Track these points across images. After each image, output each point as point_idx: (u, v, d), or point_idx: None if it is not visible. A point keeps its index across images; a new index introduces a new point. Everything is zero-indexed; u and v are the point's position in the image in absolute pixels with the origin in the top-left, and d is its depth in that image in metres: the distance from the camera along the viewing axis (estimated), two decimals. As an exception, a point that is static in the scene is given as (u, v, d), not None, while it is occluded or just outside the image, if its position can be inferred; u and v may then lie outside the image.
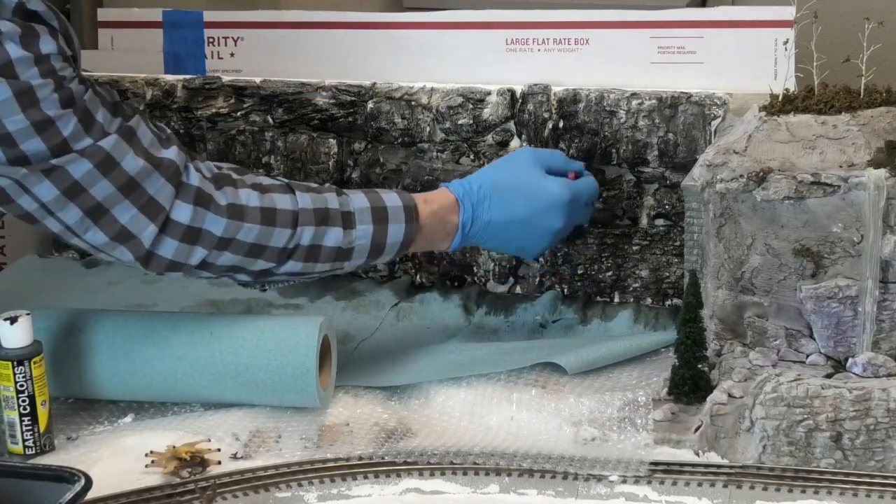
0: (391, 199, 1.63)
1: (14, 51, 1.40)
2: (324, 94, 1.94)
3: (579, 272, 1.88)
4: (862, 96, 1.55)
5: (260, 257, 1.57)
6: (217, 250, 1.55)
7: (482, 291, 1.92)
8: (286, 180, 1.62)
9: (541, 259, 1.89)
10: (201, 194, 1.53)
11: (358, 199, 1.62)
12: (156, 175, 1.50)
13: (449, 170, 1.89)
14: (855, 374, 1.50)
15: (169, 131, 1.56)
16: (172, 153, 1.53)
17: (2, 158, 1.43)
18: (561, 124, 1.85)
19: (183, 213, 1.52)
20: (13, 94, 1.41)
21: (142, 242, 1.51)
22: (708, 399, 1.49)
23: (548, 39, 1.92)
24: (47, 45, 1.43)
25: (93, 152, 1.46)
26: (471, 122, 1.88)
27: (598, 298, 1.88)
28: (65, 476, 1.31)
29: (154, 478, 1.46)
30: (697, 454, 1.47)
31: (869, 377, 1.48)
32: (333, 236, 1.59)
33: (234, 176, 1.58)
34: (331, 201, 1.60)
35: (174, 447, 1.50)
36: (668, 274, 1.84)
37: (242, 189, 1.56)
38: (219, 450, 1.51)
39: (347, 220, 1.60)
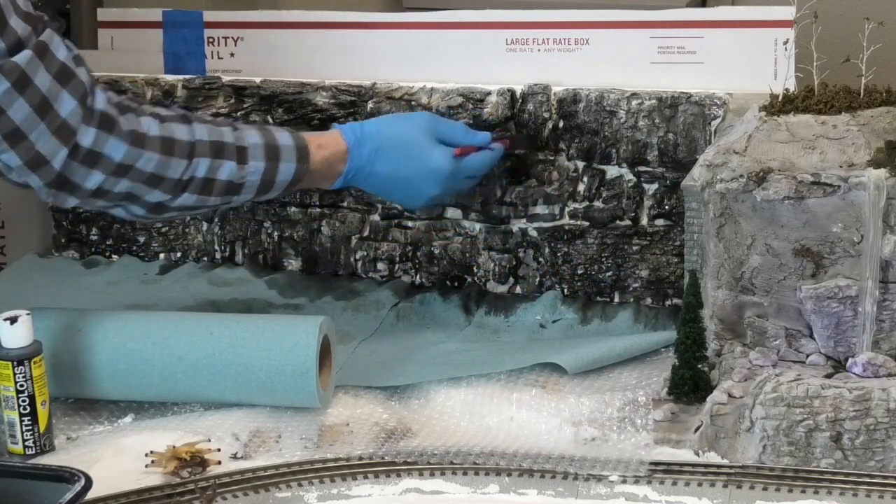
0: (284, 138, 1.67)
1: None
2: (324, 94, 1.94)
3: (579, 272, 1.88)
4: (862, 96, 1.55)
5: (157, 188, 1.59)
6: (115, 177, 1.56)
7: (482, 291, 1.92)
8: (183, 111, 1.65)
9: (541, 259, 1.89)
10: (105, 118, 1.54)
11: (252, 135, 1.65)
12: (66, 95, 1.51)
13: (449, 170, 1.90)
14: (855, 374, 1.50)
15: (77, 51, 1.56)
16: (83, 73, 1.53)
17: None
18: (561, 124, 1.85)
19: (87, 136, 1.53)
20: None
21: (53, 167, 1.53)
22: (708, 399, 1.49)
23: (548, 39, 1.91)
24: None
25: (10, 69, 1.46)
26: (471, 122, 1.87)
27: (598, 298, 1.88)
28: (65, 476, 1.31)
29: (154, 478, 1.46)
30: (697, 454, 1.47)
31: (869, 377, 1.49)
32: (227, 169, 1.62)
33: (134, 104, 1.60)
34: (226, 135, 1.63)
35: (174, 447, 1.50)
36: (668, 274, 1.84)
37: (143, 117, 1.58)
38: (219, 450, 1.51)
39: (242, 154, 1.63)
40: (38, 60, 1.49)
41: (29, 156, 1.51)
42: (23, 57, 1.47)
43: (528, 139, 1.85)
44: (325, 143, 1.71)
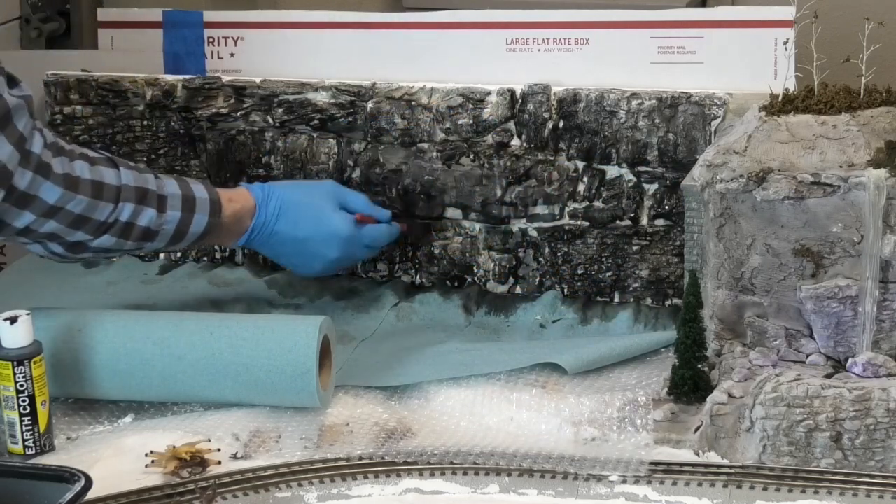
0: (199, 190, 1.71)
1: None
2: (324, 94, 1.94)
3: (579, 272, 1.88)
4: (862, 96, 1.55)
5: (81, 229, 1.62)
6: (44, 218, 1.59)
7: (482, 291, 1.92)
8: (108, 154, 1.68)
9: (541, 259, 1.89)
10: (41, 163, 1.56)
11: (171, 185, 1.69)
12: (3, 139, 1.51)
13: (449, 170, 1.89)
14: (855, 374, 1.50)
15: (27, 91, 1.57)
16: (24, 117, 1.54)
17: None
18: (561, 124, 1.85)
19: (23, 179, 1.55)
20: None
21: None
22: (708, 399, 1.49)
23: (548, 39, 1.92)
24: None
25: None
26: (471, 122, 1.88)
27: (598, 298, 1.88)
28: (65, 476, 1.31)
29: (154, 478, 1.47)
30: (697, 454, 1.47)
31: (869, 377, 1.49)
32: (148, 216, 1.66)
33: (67, 146, 1.62)
34: (150, 182, 1.67)
35: (174, 447, 1.50)
36: (668, 274, 1.84)
37: (75, 160, 1.61)
38: (219, 450, 1.51)
39: (162, 202, 1.67)
40: None
41: None
42: None
43: (422, 228, 1.91)
44: (235, 198, 1.75)
